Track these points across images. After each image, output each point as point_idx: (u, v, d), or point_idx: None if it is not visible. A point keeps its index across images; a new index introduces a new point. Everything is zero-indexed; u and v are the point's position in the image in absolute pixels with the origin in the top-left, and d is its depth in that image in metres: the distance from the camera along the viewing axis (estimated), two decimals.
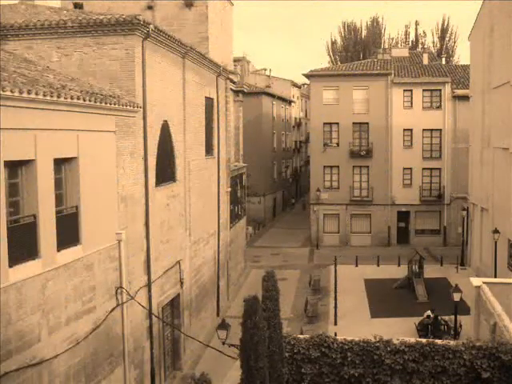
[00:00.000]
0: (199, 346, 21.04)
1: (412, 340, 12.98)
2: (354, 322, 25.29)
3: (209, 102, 25.42)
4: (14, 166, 10.95)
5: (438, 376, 12.53)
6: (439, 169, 43.60)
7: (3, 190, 10.31)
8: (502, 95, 27.08)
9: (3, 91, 10.00)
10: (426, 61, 48.17)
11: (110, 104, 14.20)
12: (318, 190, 44.31)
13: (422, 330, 23.28)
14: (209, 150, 25.45)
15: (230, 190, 29.79)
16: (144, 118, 16.62)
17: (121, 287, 15.10)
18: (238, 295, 29.49)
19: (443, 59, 53.66)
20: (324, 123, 44.31)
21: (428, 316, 23.81)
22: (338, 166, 44.36)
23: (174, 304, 20.47)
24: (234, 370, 13.65)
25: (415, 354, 12.60)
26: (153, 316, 17.31)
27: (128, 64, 16.00)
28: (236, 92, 32.84)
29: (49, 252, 11.77)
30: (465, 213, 36.32)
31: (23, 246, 11.04)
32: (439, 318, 23.57)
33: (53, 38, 16.16)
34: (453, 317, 22.22)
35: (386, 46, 66.61)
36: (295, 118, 69.33)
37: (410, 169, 43.59)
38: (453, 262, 35.55)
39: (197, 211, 22.97)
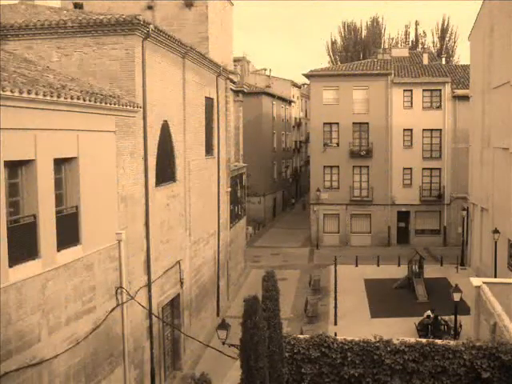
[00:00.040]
0: (199, 345, 21.04)
1: (412, 340, 12.98)
2: (354, 322, 25.29)
3: (209, 102, 25.42)
4: (14, 166, 10.94)
5: (438, 376, 12.53)
6: (439, 169, 43.60)
7: (3, 190, 10.31)
8: (502, 95, 27.08)
9: (3, 91, 10.00)
10: (425, 61, 48.17)
11: (110, 104, 14.21)
12: (318, 190, 44.31)
13: (422, 329, 23.28)
14: (209, 150, 25.45)
15: (230, 189, 29.79)
16: (144, 118, 16.62)
17: (121, 287, 15.10)
18: (238, 295, 29.49)
19: (443, 59, 53.67)
20: (324, 123, 44.31)
21: (428, 316, 23.81)
22: (338, 166, 44.37)
23: (174, 304, 20.47)
24: (234, 369, 13.65)
25: (415, 354, 12.60)
26: (153, 316, 17.31)
27: (128, 64, 16.00)
28: (236, 92, 32.84)
29: (49, 252, 11.77)
30: (465, 213, 36.33)
31: (23, 246, 11.04)
32: (439, 317, 23.57)
33: (53, 38, 16.16)
34: (453, 317, 22.22)
35: (386, 46, 66.62)
36: (295, 118, 69.34)
37: (410, 169, 43.59)
38: (453, 261, 35.55)
39: (197, 211, 22.98)
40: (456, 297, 21.18)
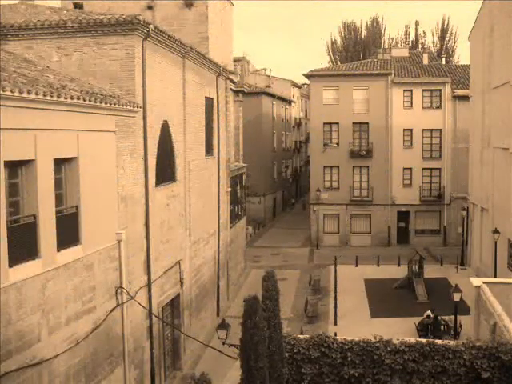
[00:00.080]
0: (199, 345, 21.04)
1: (412, 340, 12.98)
2: (354, 322, 25.29)
3: (209, 102, 25.42)
4: (14, 166, 10.95)
5: (438, 376, 12.53)
6: (439, 169, 43.60)
7: (3, 190, 10.31)
8: (502, 95, 27.08)
9: (3, 91, 10.00)
10: (425, 61, 48.18)
11: (110, 104, 14.21)
12: (318, 190, 44.31)
13: (422, 329, 23.28)
14: (209, 150, 25.45)
15: (229, 189, 29.79)
16: (144, 118, 16.63)
17: (121, 287, 15.10)
18: (238, 295, 29.49)
19: (443, 59, 53.67)
20: (324, 123, 44.31)
21: (428, 316, 23.81)
22: (338, 166, 44.37)
23: (174, 304, 20.47)
24: (234, 369, 13.65)
25: (415, 354, 12.60)
26: (153, 316, 17.31)
27: (128, 64, 16.00)
28: (236, 92, 32.84)
29: (49, 252, 11.78)
30: (465, 213, 36.33)
31: (23, 246, 11.04)
32: (439, 317, 23.57)
33: (53, 38, 16.16)
34: (453, 317, 22.22)
35: (386, 46, 66.62)
36: (295, 118, 69.34)
37: (410, 169, 43.59)
38: (453, 261, 35.55)
39: (197, 211, 22.98)
40: (456, 297, 21.18)
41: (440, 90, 43.09)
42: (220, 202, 27.36)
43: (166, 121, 19.14)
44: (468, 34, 35.17)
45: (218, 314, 26.54)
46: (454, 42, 73.34)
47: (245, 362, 10.16)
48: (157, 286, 18.05)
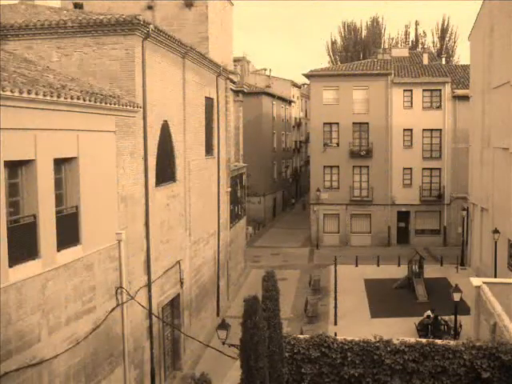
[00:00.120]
0: (199, 345, 21.04)
1: (412, 340, 12.98)
2: (354, 322, 25.29)
3: (209, 102, 25.42)
4: (14, 166, 10.94)
5: (438, 376, 12.53)
6: (439, 169, 43.61)
7: (3, 190, 10.31)
8: (502, 95, 27.08)
9: (3, 91, 10.00)
10: (425, 61, 48.17)
11: (110, 104, 14.21)
12: (318, 190, 44.31)
13: (422, 330, 23.27)
14: (209, 150, 25.45)
15: (230, 189, 29.79)
16: (144, 118, 16.62)
17: (121, 287, 15.10)
18: (238, 295, 29.49)
19: (443, 59, 53.67)
20: (324, 123, 44.31)
21: (428, 316, 23.81)
22: (338, 166, 44.37)
23: (174, 304, 20.47)
24: (234, 369, 13.65)
25: (415, 354, 12.60)
26: (153, 316, 17.31)
27: (128, 64, 16.00)
28: (236, 92, 32.84)
29: (49, 252, 11.78)
30: (465, 213, 36.33)
31: (23, 246, 11.04)
32: (439, 317, 23.57)
33: (53, 38, 16.16)
34: (453, 317, 22.22)
35: (386, 46, 66.62)
36: (295, 118, 69.34)
37: (410, 169, 43.59)
38: (453, 261, 35.54)
39: (197, 211, 22.98)
40: (456, 297, 21.18)
41: (440, 90, 43.09)
42: (220, 202, 27.36)
43: (165, 121, 19.14)
44: (468, 34, 35.19)
45: (218, 314, 26.54)
46: (454, 42, 73.45)
47: (245, 362, 10.16)
48: (157, 286, 18.05)
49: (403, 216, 43.95)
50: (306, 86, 71.06)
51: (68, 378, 12.53)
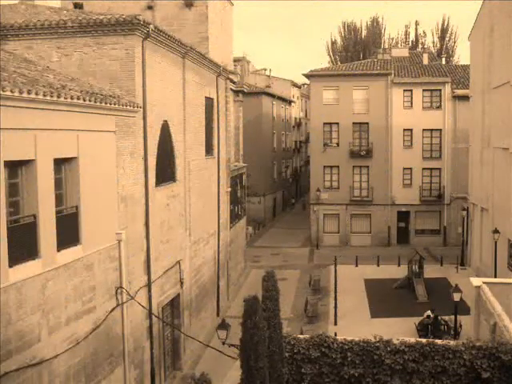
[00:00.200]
0: (199, 345, 21.04)
1: (412, 340, 12.98)
2: (354, 322, 25.30)
3: (209, 102, 25.42)
4: (14, 166, 10.94)
5: (438, 376, 12.53)
6: (439, 169, 43.61)
7: (3, 190, 10.31)
8: (502, 95, 27.08)
9: (3, 91, 10.00)
10: (425, 61, 48.18)
11: (110, 104, 14.21)
12: (318, 190, 44.31)
13: (422, 330, 23.27)
14: (209, 150, 25.45)
15: (229, 189, 29.79)
16: (144, 118, 16.62)
17: (121, 287, 15.10)
18: (238, 295, 29.49)
19: (443, 59, 53.67)
20: (324, 123, 44.31)
21: (428, 316, 23.81)
22: (338, 166, 44.37)
23: (174, 304, 20.47)
24: (234, 369, 13.65)
25: (415, 354, 12.60)
26: (153, 316, 17.31)
27: (128, 64, 16.00)
28: (236, 92, 32.84)
29: (49, 252, 11.78)
30: (465, 213, 36.33)
31: (23, 246, 11.04)
32: (439, 317, 23.57)
33: (53, 38, 16.16)
34: (453, 317, 22.22)
35: (386, 46, 66.62)
36: (295, 118, 69.33)
37: (410, 169, 43.59)
38: (453, 262, 35.54)
39: (197, 211, 22.98)
40: (456, 297, 21.18)
41: (440, 90, 43.09)
42: (220, 202, 27.36)
43: (165, 121, 19.14)
44: (468, 34, 35.19)
45: (218, 314, 26.54)
46: (454, 42, 73.45)
47: (245, 362, 10.16)
48: (157, 286, 18.05)
49: (403, 216, 43.95)
50: (305, 86, 71.06)
51: (68, 377, 12.53)
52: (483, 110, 30.90)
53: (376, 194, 43.78)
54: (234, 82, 31.35)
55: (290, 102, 65.36)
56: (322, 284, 32.04)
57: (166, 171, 19.49)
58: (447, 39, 73.42)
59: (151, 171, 17.50)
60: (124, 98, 15.64)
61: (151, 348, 17.45)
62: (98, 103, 13.46)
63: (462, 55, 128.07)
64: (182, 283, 20.80)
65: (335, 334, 17.04)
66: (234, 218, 32.07)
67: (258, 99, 52.33)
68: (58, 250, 12.14)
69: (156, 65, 17.89)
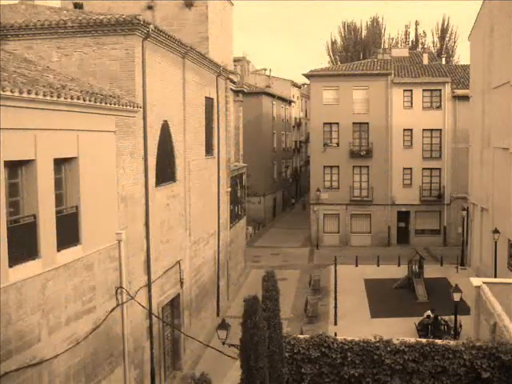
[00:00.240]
0: (199, 345, 21.04)
1: (412, 340, 12.98)
2: (354, 322, 25.29)
3: (209, 102, 25.42)
4: (14, 166, 10.94)
5: (438, 376, 12.53)
6: (439, 169, 43.61)
7: (3, 190, 10.31)
8: (502, 95, 27.08)
9: (3, 91, 10.00)
10: (425, 61, 48.18)
11: (110, 104, 14.21)
12: (318, 190, 44.31)
13: (422, 330, 23.27)
14: (209, 150, 25.45)
15: (229, 189, 29.79)
16: (144, 118, 16.62)
17: (121, 287, 15.10)
18: (238, 295, 29.49)
19: (443, 59, 53.67)
20: (324, 123, 44.31)
21: (428, 316, 23.81)
22: (338, 166, 44.37)
23: (174, 304, 20.47)
24: (234, 370, 13.65)
25: (415, 354, 12.60)
26: (153, 316, 17.31)
27: (128, 64, 16.00)
28: (236, 92, 32.84)
29: (49, 252, 11.78)
30: (465, 213, 36.33)
31: (23, 246, 11.04)
32: (439, 317, 23.57)
33: (53, 38, 16.16)
34: (453, 317, 22.22)
35: (386, 46, 66.62)
36: (295, 118, 69.33)
37: (410, 169, 43.59)
38: (453, 262, 35.54)
39: (197, 211, 22.98)
40: (456, 297, 21.18)
41: (440, 90, 43.09)
42: (220, 202, 27.36)
43: (166, 121, 19.14)
44: (468, 34, 35.19)
45: (218, 314, 26.54)
46: (454, 42, 73.46)
47: (245, 362, 10.16)
48: (157, 286, 18.05)
49: (403, 216, 43.95)
50: (305, 86, 71.06)
51: (68, 377, 12.53)
52: (483, 110, 30.90)
53: (376, 194, 43.78)
54: (234, 82, 31.35)
55: (289, 102, 65.36)
56: (322, 284, 32.04)
57: (166, 171, 19.49)
58: (447, 39, 73.44)
59: (151, 171, 17.50)
60: (124, 98, 15.64)
61: (151, 348, 17.45)
62: (97, 103, 13.46)
63: (462, 55, 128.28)
64: (182, 283, 20.80)
65: (335, 334, 17.04)
66: (234, 218, 32.07)
67: (257, 99, 52.33)
68: (58, 250, 12.14)
69: (156, 65, 17.89)
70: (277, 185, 59.28)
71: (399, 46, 69.48)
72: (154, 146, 17.83)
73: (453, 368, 12.44)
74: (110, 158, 14.73)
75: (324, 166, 44.57)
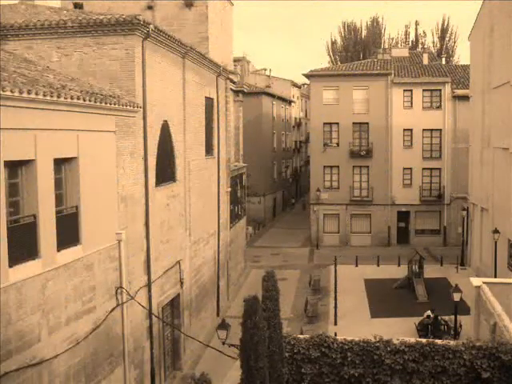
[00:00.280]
0: (199, 345, 21.04)
1: (412, 340, 12.98)
2: (354, 322, 25.29)
3: (209, 102, 25.42)
4: (14, 166, 10.94)
5: (438, 376, 12.53)
6: (439, 169, 43.61)
7: (3, 190, 10.31)
8: (502, 95, 27.08)
9: (3, 91, 10.00)
10: (425, 61, 48.18)
11: (110, 104, 14.21)
12: (318, 189, 44.31)
13: (422, 330, 23.27)
14: (209, 150, 25.45)
15: (229, 189, 29.79)
16: (144, 118, 16.62)
17: (121, 287, 15.10)
18: (238, 295, 29.49)
19: (443, 59, 53.67)
20: (324, 123, 44.31)
21: (428, 316, 23.81)
22: (338, 166, 44.37)
23: (174, 304, 20.47)
24: (234, 370, 13.65)
25: (415, 354, 12.60)
26: (153, 316, 17.31)
27: (128, 64, 16.00)
28: (236, 92, 32.84)
29: (49, 252, 11.77)
30: (465, 213, 36.33)
31: (23, 246, 11.04)
32: (439, 317, 23.57)
33: (53, 38, 16.16)
34: (453, 317, 22.22)
35: (386, 46, 66.63)
36: (295, 118, 69.33)
37: (410, 169, 43.59)
38: (453, 262, 35.54)
39: (197, 211, 22.97)
40: (456, 297, 21.18)
41: (440, 90, 43.09)
42: (220, 202, 27.36)
43: (165, 121, 19.14)
44: (468, 34, 35.19)
45: (218, 314, 26.54)
46: (454, 42, 73.46)
47: (245, 362, 10.16)
48: (157, 286, 18.05)
49: (403, 216, 43.95)
50: (305, 85, 71.05)
51: (68, 377, 12.53)
52: (483, 110, 30.90)
53: (376, 194, 43.78)
54: (233, 82, 31.34)
55: (289, 102, 65.36)
56: (322, 284, 32.04)
57: (165, 171, 19.49)
58: (447, 39, 73.45)
59: (151, 171, 17.50)
60: (124, 98, 15.64)
61: (151, 348, 17.45)
62: (97, 103, 13.46)
63: (462, 55, 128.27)
64: (182, 283, 20.80)
65: (335, 334, 17.04)
66: (234, 218, 32.07)
67: (257, 99, 52.33)
68: (58, 250, 12.14)
69: (156, 65, 17.89)
70: (277, 185, 59.28)
71: (399, 46, 69.49)
72: (153, 145, 17.83)
73: (453, 368, 12.44)
74: (109, 158, 14.73)
75: (324, 166, 44.57)
